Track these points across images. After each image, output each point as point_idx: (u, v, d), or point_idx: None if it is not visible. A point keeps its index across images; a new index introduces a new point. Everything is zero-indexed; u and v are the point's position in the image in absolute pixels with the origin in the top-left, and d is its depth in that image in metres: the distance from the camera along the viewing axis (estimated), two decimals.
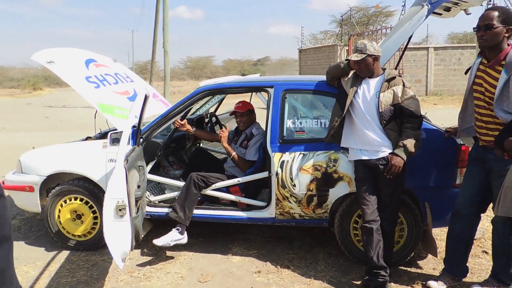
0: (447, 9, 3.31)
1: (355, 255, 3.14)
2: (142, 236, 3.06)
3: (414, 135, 2.69)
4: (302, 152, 3.09)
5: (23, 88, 31.74)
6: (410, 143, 2.66)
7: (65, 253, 3.44)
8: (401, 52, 3.81)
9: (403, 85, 2.75)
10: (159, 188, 3.75)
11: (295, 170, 3.07)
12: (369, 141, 2.76)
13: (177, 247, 3.37)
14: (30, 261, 3.32)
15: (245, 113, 3.62)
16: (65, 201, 3.43)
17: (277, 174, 3.09)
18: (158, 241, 3.16)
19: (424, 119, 2.95)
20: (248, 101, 3.90)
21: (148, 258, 3.33)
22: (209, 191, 3.36)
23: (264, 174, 3.26)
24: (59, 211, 3.44)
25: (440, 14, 3.43)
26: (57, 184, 3.50)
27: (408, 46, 3.76)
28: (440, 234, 3.62)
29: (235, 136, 3.81)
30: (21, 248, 3.59)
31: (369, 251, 2.77)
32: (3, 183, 3.67)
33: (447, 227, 2.83)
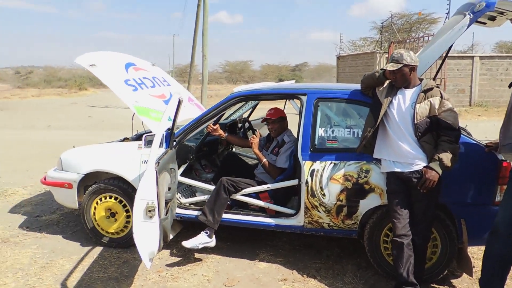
0: (492, 18, 3.16)
1: (385, 269, 3.05)
2: (171, 237, 3.12)
3: (451, 149, 2.58)
4: (333, 162, 3.04)
5: (69, 88, 33.53)
6: (446, 157, 2.55)
7: (98, 249, 3.57)
8: (441, 62, 3.67)
9: (441, 97, 2.65)
10: (190, 191, 3.82)
11: (325, 179, 3.03)
12: (403, 153, 2.68)
13: (205, 250, 3.42)
14: (66, 255, 3.47)
15: (276, 120, 3.62)
16: (100, 199, 3.56)
17: (307, 182, 3.06)
18: (187, 243, 3.22)
19: (463, 132, 2.82)
20: (282, 107, 3.89)
21: (177, 259, 3.39)
22: (238, 196, 3.38)
23: (294, 182, 3.24)
24: (95, 208, 3.58)
25: (485, 23, 3.28)
26: (94, 182, 3.64)
27: (452, 55, 3.63)
28: (476, 253, 3.45)
29: (266, 143, 3.81)
30: (58, 241, 3.76)
31: (399, 267, 2.69)
32: (45, 179, 3.87)
33: (484, 246, 2.70)
